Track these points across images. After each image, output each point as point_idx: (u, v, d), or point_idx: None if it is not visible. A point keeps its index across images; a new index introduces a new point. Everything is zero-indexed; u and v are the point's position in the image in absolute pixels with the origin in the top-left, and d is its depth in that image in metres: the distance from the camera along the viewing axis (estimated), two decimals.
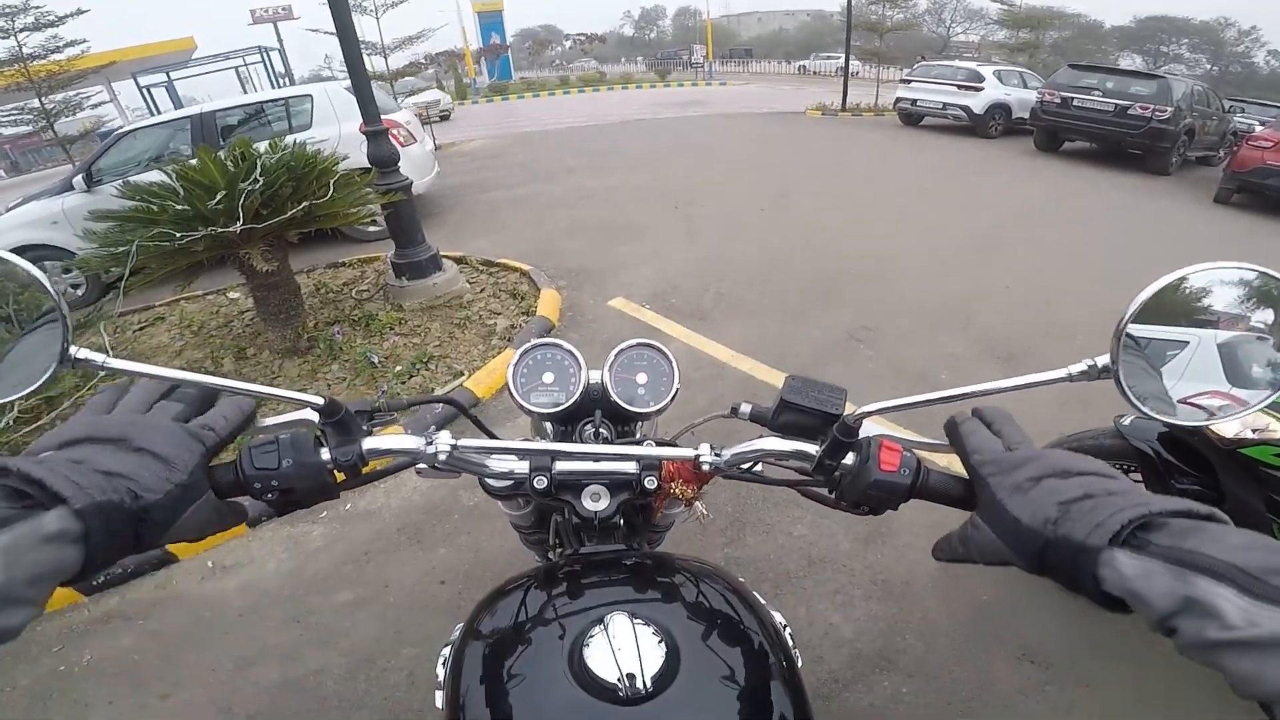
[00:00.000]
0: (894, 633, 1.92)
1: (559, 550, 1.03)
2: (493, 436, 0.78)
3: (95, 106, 12.94)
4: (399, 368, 3.39)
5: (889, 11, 15.79)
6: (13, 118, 11.34)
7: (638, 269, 4.91)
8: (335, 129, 5.75)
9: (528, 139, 11.98)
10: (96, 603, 2.19)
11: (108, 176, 5.34)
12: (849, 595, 2.05)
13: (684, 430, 0.89)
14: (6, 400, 0.52)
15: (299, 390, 0.59)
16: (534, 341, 0.88)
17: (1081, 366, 0.55)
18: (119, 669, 1.95)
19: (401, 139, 5.88)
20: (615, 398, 0.84)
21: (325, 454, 0.58)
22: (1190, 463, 1.74)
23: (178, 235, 2.92)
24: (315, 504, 0.59)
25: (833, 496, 0.65)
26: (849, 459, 0.62)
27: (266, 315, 3.54)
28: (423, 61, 17.55)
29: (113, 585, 2.24)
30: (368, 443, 0.60)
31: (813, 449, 0.64)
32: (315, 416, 0.60)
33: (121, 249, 3.00)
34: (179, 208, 2.99)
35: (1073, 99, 9.19)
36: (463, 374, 3.35)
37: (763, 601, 0.72)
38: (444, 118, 17.64)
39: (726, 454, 0.67)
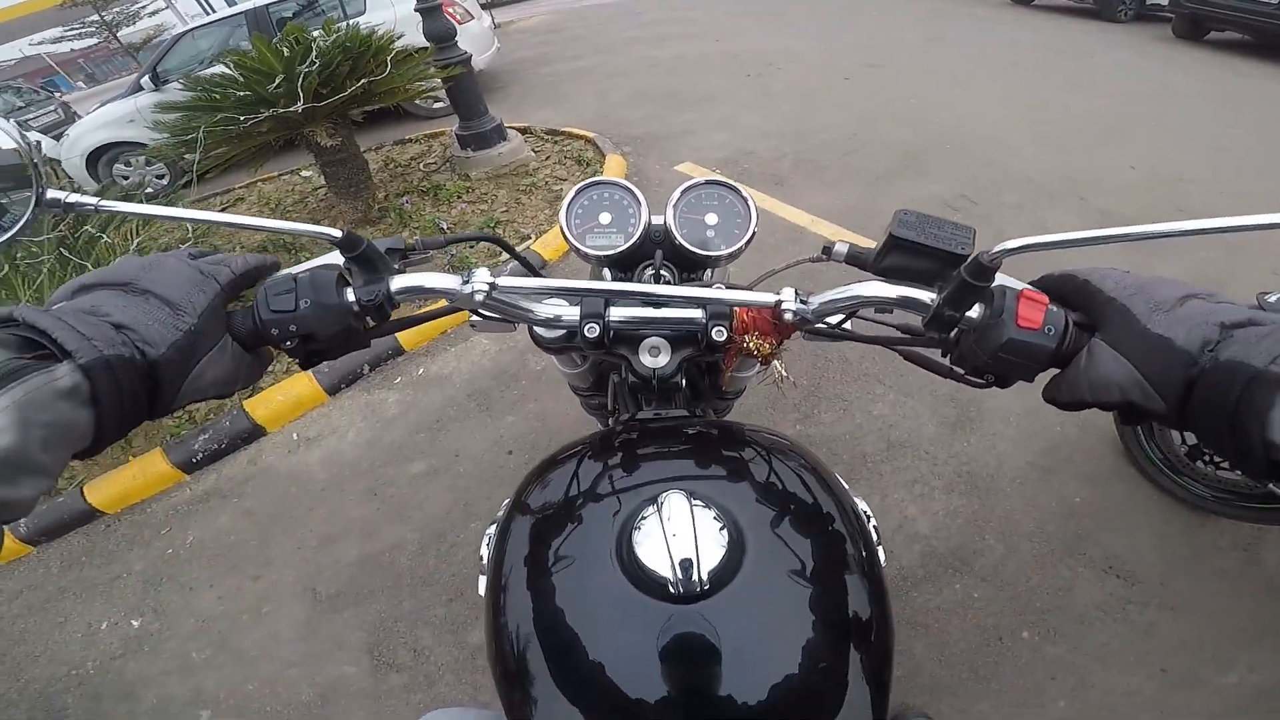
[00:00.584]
0: (973, 531, 1.78)
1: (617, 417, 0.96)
2: (536, 275, 0.70)
3: (153, 14, 13.13)
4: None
5: None
6: (77, 31, 11.77)
7: (707, 135, 4.63)
8: (390, 12, 5.71)
9: (586, 13, 11.17)
10: (197, 480, 2.32)
11: (173, 75, 5.54)
12: (929, 486, 1.90)
13: (763, 277, 0.76)
14: None
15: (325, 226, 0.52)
16: (590, 179, 0.78)
17: None
18: (218, 550, 2.07)
19: (458, 16, 5.76)
20: (680, 239, 0.73)
21: (350, 295, 0.52)
22: None
23: (241, 118, 3.02)
24: (342, 353, 0.54)
25: (947, 360, 0.54)
26: (974, 311, 0.49)
27: (338, 189, 3.64)
28: None
29: (209, 461, 2.36)
30: (396, 281, 0.54)
31: (927, 296, 0.52)
32: (340, 258, 0.54)
33: (189, 136, 3.13)
34: (240, 94, 3.07)
35: None
36: (530, 237, 3.36)
37: (845, 485, 0.62)
38: None
39: (815, 301, 0.55)
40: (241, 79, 3.10)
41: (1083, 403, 0.45)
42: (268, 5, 5.96)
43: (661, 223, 0.75)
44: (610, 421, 1.05)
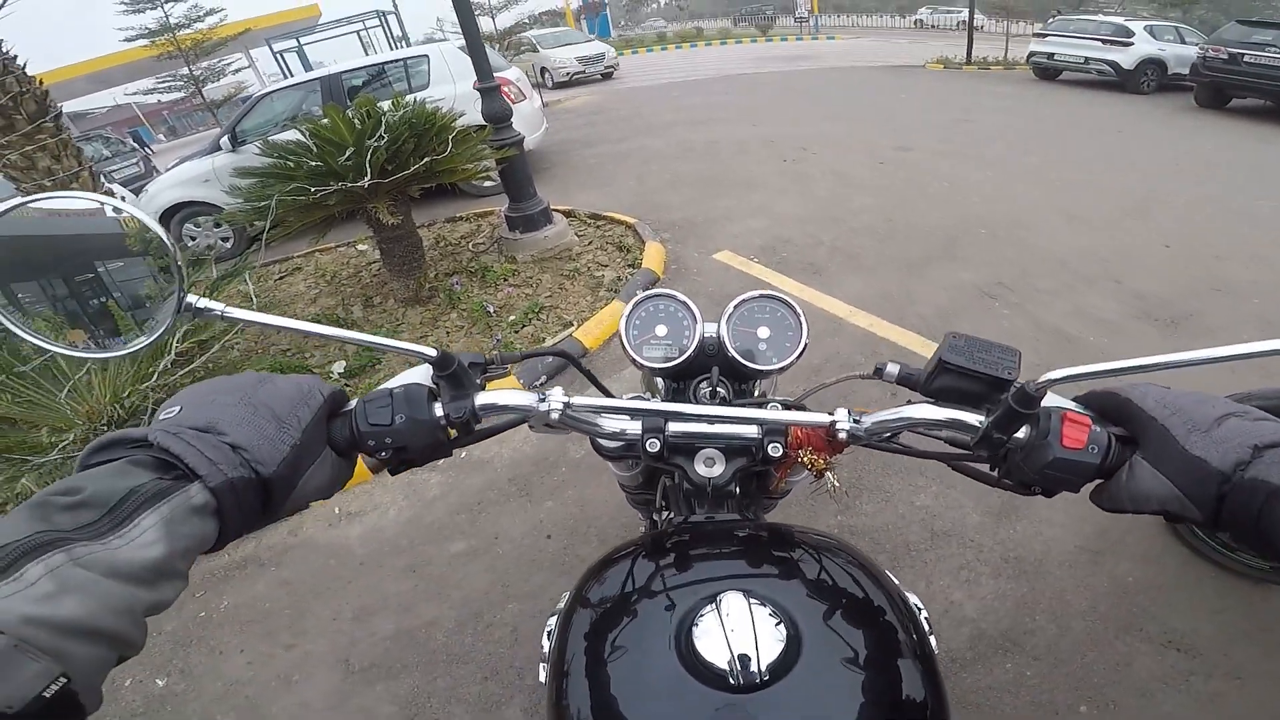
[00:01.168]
0: (1023, 613, 1.78)
1: (665, 513, 0.98)
2: (605, 391, 0.75)
3: (236, 72, 14.21)
4: (512, 317, 3.50)
5: None
6: (167, 84, 12.69)
7: (744, 221, 4.77)
8: (451, 88, 5.92)
9: (629, 95, 11.89)
10: (236, 548, 2.32)
11: (250, 136, 5.74)
12: (975, 571, 1.91)
13: (814, 390, 0.79)
14: (131, 351, 0.55)
15: (415, 341, 0.59)
16: (648, 292, 0.82)
17: None
18: (251, 617, 2.08)
19: (512, 96, 6.00)
20: (733, 353, 0.76)
21: (438, 409, 0.57)
22: None
23: (312, 190, 3.12)
24: (428, 461, 0.58)
25: (995, 474, 0.58)
26: (1021, 433, 0.53)
27: (392, 266, 3.75)
28: (527, 21, 17.72)
29: (251, 530, 2.42)
30: (480, 398, 0.58)
31: (974, 419, 0.55)
32: (426, 376, 0.59)
33: (262, 203, 3.23)
34: (312, 164, 3.19)
35: (1243, 55, 8.39)
36: (572, 324, 3.41)
37: (895, 580, 0.64)
38: (606, 75, 16.45)
39: (867, 421, 0.59)
40: (315, 148, 3.23)
41: (1124, 510, 0.50)
42: (341, 74, 6.23)
43: (715, 334, 0.78)
44: (655, 515, 1.08)
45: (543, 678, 0.65)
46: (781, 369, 0.77)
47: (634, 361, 0.78)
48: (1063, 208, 4.75)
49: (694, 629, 0.52)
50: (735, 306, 0.79)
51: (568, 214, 4.95)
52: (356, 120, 3.31)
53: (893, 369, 0.63)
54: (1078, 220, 4.51)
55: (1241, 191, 5.10)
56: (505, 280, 3.94)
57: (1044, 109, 9.15)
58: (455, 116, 3.66)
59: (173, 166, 6.34)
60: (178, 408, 0.48)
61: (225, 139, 5.88)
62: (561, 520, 2.26)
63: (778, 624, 0.51)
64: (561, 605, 0.67)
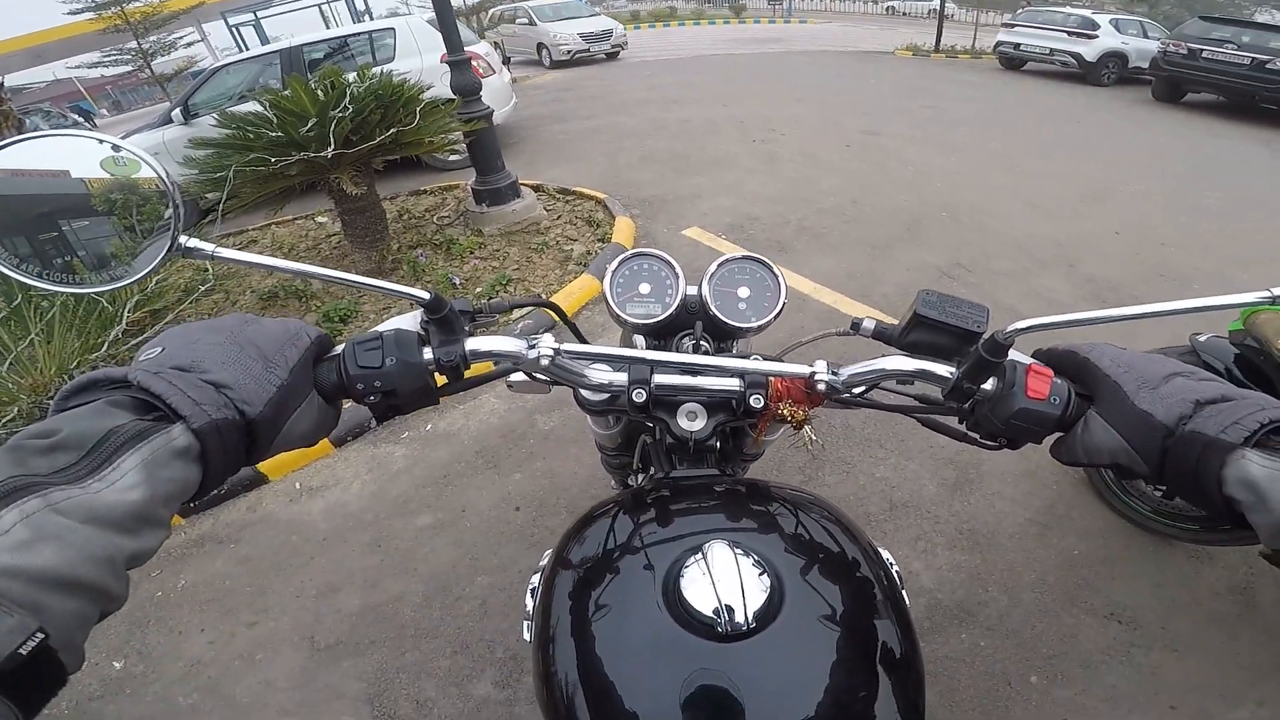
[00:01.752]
0: (976, 584, 1.85)
1: (640, 475, 0.97)
2: (585, 343, 0.74)
3: (188, 46, 13.57)
4: (479, 289, 3.47)
5: None
6: (113, 58, 12.09)
7: (714, 199, 4.79)
8: (418, 61, 5.79)
9: (600, 73, 11.71)
10: (193, 524, 2.26)
11: (203, 110, 5.58)
12: (931, 542, 1.97)
13: (792, 347, 0.82)
14: (123, 284, 0.53)
15: (406, 285, 0.57)
16: (632, 251, 0.83)
17: None
18: (211, 595, 2.02)
19: (481, 70, 5.86)
20: (715, 311, 0.78)
21: (428, 354, 0.56)
22: (1262, 386, 1.64)
23: (272, 160, 3.03)
24: (415, 409, 0.57)
25: (963, 426, 0.60)
26: (989, 384, 0.56)
27: (353, 238, 3.68)
28: None
29: (207, 507, 2.31)
30: (470, 343, 0.58)
31: (945, 370, 0.58)
32: (413, 324, 0.58)
33: (219, 174, 3.14)
34: (273, 135, 3.10)
35: (1201, 50, 8.64)
36: (539, 296, 3.36)
37: (868, 535, 0.66)
38: (612, 55, 14.42)
39: (845, 372, 0.61)
40: (275, 119, 3.14)
41: (1079, 463, 0.53)
42: (302, 46, 6.08)
43: (696, 294, 0.80)
44: (631, 479, 1.08)
45: (527, 636, 0.65)
46: (760, 327, 0.78)
47: (617, 318, 0.79)
48: (1022, 194, 4.89)
49: (681, 579, 0.53)
50: (717, 267, 0.81)
51: (536, 189, 4.89)
52: (320, 91, 3.22)
53: (868, 324, 0.65)
54: (1036, 206, 4.64)
55: (1191, 183, 5.31)
56: (471, 253, 3.89)
57: (1007, 98, 9.34)
58: (424, 88, 3.59)
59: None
60: (160, 348, 0.47)
61: (177, 112, 5.70)
62: (530, 492, 2.25)
63: (761, 574, 0.53)
64: (544, 562, 0.68)
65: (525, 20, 14.67)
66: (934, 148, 6.18)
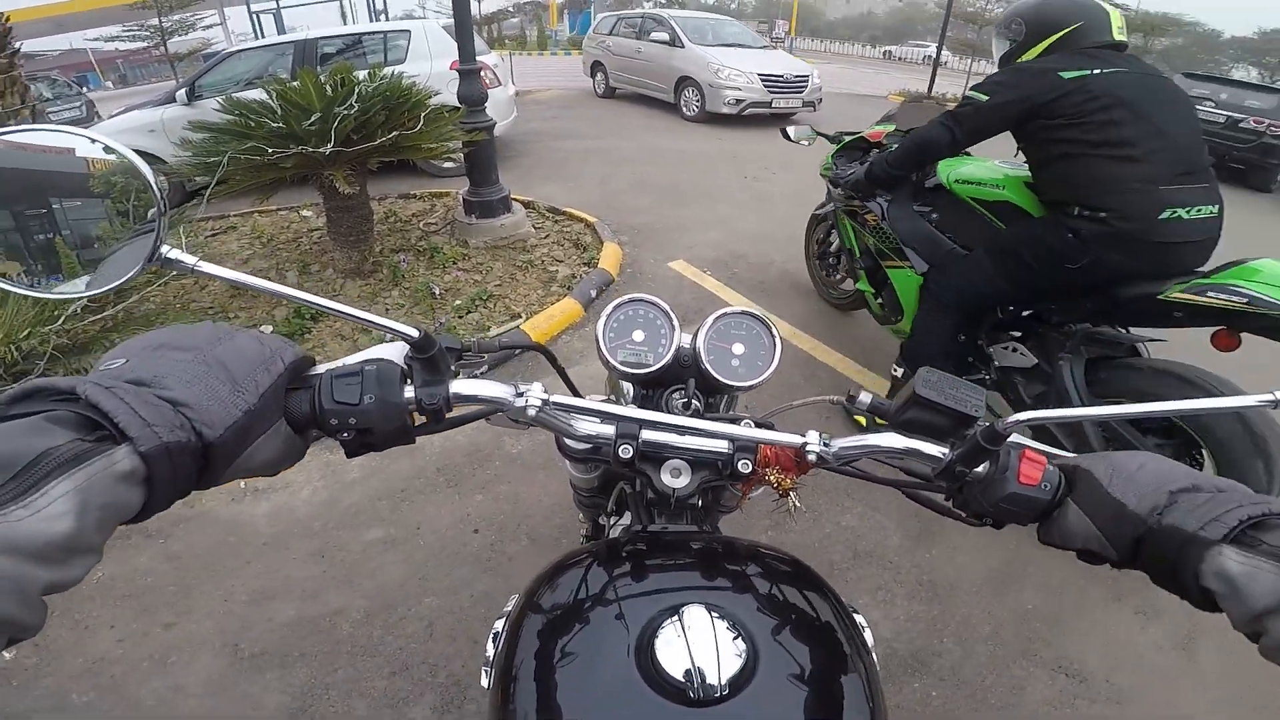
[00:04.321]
0: (932, 635, 1.87)
1: (613, 518, 0.96)
2: (576, 392, 0.73)
3: (206, 28, 13.53)
4: (458, 302, 3.43)
5: (992, 4, 14.84)
6: (131, 33, 12.06)
7: (702, 233, 4.81)
8: (427, 65, 5.82)
9: (606, 98, 11.77)
10: None
11: (208, 92, 5.57)
12: (892, 593, 1.99)
13: (782, 409, 0.79)
14: (95, 294, 0.52)
15: (386, 315, 0.56)
16: (629, 296, 0.81)
17: None
18: (129, 591, 1.91)
19: (488, 81, 5.94)
20: (707, 366, 0.77)
21: (409, 392, 0.53)
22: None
23: (269, 151, 3.01)
24: (389, 447, 0.54)
25: (949, 504, 0.61)
26: (981, 467, 0.56)
27: (337, 236, 3.63)
28: (510, 9, 17.22)
29: (182, 497, 2.27)
30: (456, 386, 0.56)
31: (937, 451, 0.58)
32: (396, 355, 0.55)
33: (213, 159, 3.11)
34: (274, 125, 3.08)
35: None
36: (520, 316, 3.35)
37: (843, 599, 0.66)
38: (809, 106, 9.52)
39: (836, 445, 0.61)
40: (279, 110, 3.12)
41: (1056, 545, 0.54)
42: (317, 39, 6.09)
43: (690, 346, 0.79)
44: (603, 519, 1.06)
45: (485, 683, 0.63)
46: (751, 387, 0.77)
47: (608, 365, 0.78)
48: None
49: (656, 640, 0.52)
50: (713, 320, 0.80)
51: (527, 205, 4.89)
52: (329, 86, 3.22)
53: (865, 398, 0.64)
54: None
55: None
56: (455, 263, 3.86)
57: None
58: (430, 94, 3.60)
59: (118, 114, 6.07)
60: (122, 359, 0.44)
61: (182, 92, 5.68)
62: (490, 515, 2.18)
63: (736, 638, 0.52)
64: (509, 609, 0.66)
65: (661, 37, 9.57)
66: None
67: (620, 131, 8.31)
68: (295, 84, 3.19)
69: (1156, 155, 1.80)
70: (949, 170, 2.37)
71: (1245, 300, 1.66)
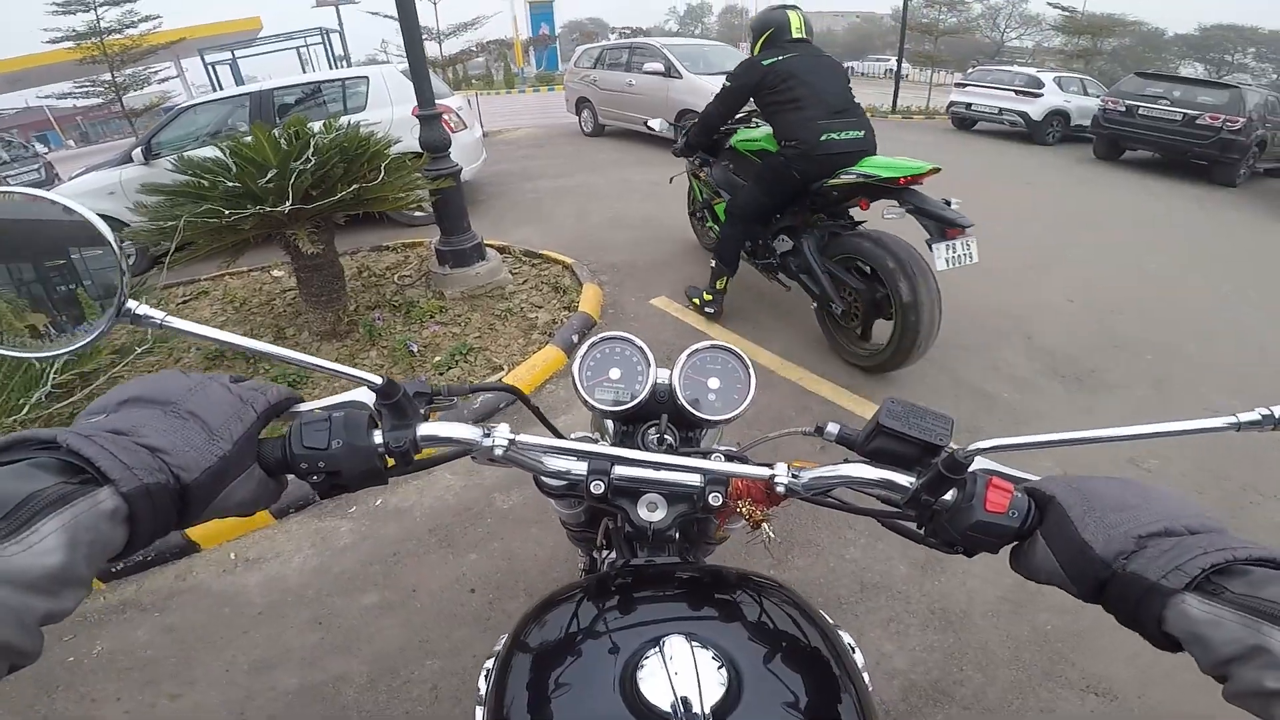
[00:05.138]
0: (951, 663, 1.83)
1: (605, 552, 0.99)
2: (553, 430, 0.74)
3: (162, 81, 13.44)
4: (438, 358, 3.33)
5: (944, 15, 15.24)
6: (85, 89, 11.91)
7: (682, 268, 4.76)
8: (389, 112, 5.75)
9: (573, 129, 11.86)
10: (114, 590, 2.12)
11: (166, 150, 5.44)
12: (904, 624, 1.95)
13: (756, 443, 0.83)
14: (62, 353, 0.53)
15: (355, 367, 0.56)
16: (603, 335, 0.83)
17: (1254, 415, 0.49)
18: (130, 664, 1.90)
19: (452, 125, 5.90)
20: (683, 402, 0.78)
21: (377, 437, 0.56)
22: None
23: (226, 213, 2.90)
24: (361, 489, 0.57)
25: (921, 532, 0.61)
26: (949, 495, 0.56)
27: (309, 296, 3.52)
28: (474, 49, 17.33)
29: (131, 572, 2.17)
30: (423, 429, 0.57)
31: (905, 480, 0.59)
32: (369, 398, 0.57)
33: (169, 223, 2.99)
34: (229, 184, 2.97)
35: (1138, 107, 8.94)
36: (502, 368, 3.26)
37: (830, 620, 0.66)
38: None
39: (805, 477, 0.62)
40: (234, 167, 3.02)
41: (1025, 576, 0.54)
42: (273, 90, 5.94)
43: (666, 381, 0.80)
44: (595, 553, 1.09)
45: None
46: (727, 420, 0.79)
47: (586, 403, 0.80)
48: (978, 264, 4.99)
49: (638, 672, 0.52)
50: (688, 356, 0.81)
51: (503, 250, 4.82)
52: (283, 140, 3.12)
53: (833, 429, 0.66)
54: (989, 274, 4.71)
55: (1135, 245, 5.55)
56: (432, 317, 3.76)
57: (962, 158, 9.61)
58: (391, 142, 3.51)
59: (77, 175, 5.95)
60: (100, 414, 0.47)
61: (139, 151, 5.55)
62: (486, 574, 2.14)
63: (720, 667, 0.52)
64: (499, 647, 0.67)
65: (656, 68, 8.93)
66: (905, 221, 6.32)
67: (593, 167, 8.31)
68: (249, 139, 3.10)
69: (817, 105, 2.94)
70: (736, 138, 3.60)
71: (857, 177, 2.88)
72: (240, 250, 3.36)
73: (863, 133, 2.99)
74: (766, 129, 3.26)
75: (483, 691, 0.67)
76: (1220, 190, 8.23)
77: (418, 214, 5.58)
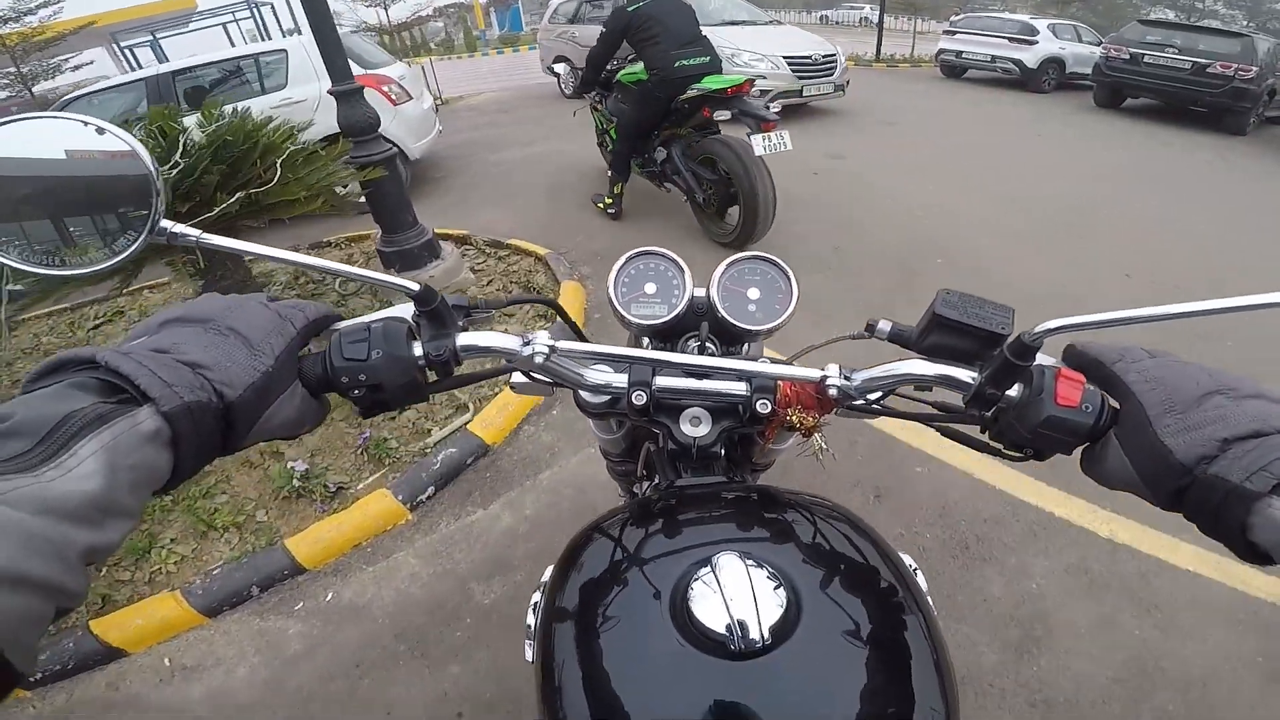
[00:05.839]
0: None
1: (645, 484, 0.92)
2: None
3: (75, 70, 12.34)
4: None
5: None
6: None
7: (682, 250, 4.12)
8: (315, 87, 4.94)
9: (541, 92, 10.94)
10: (42, 698, 1.82)
11: None
12: None
13: (802, 352, 0.78)
14: (98, 269, 0.50)
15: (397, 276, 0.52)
16: (637, 250, 0.80)
17: None
18: None
19: (394, 96, 5.15)
20: (723, 313, 0.75)
21: (417, 349, 0.54)
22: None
23: None
24: (402, 405, 0.55)
25: (985, 435, 0.55)
26: (1014, 390, 0.51)
27: None
28: (430, 14, 16.03)
29: (56, 680, 1.86)
30: (462, 338, 0.56)
31: (967, 375, 0.53)
32: (408, 311, 0.55)
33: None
34: None
35: (1143, 55, 8.80)
36: (468, 408, 2.59)
37: (889, 543, 0.60)
38: (841, 88, 7.84)
39: (858, 377, 0.58)
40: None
41: (1099, 481, 0.49)
42: (172, 73, 5.13)
43: (704, 295, 0.77)
44: (636, 487, 1.03)
45: (529, 656, 0.63)
46: (770, 330, 0.75)
47: (622, 319, 0.77)
48: (1007, 224, 4.55)
49: (690, 594, 0.49)
50: (726, 267, 0.79)
51: (463, 240, 4.12)
52: (147, 140, 2.44)
53: (884, 326, 0.61)
54: (1025, 240, 4.32)
55: (1169, 203, 5.13)
56: None
57: (958, 107, 9.21)
58: (290, 131, 2.78)
59: None
60: (144, 337, 0.45)
61: None
62: (474, 692, 1.73)
63: (776, 587, 0.49)
64: (545, 579, 0.65)
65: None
66: (902, 171, 5.76)
67: (565, 133, 7.36)
68: None
69: (672, 39, 3.66)
70: (622, 74, 4.15)
71: (697, 92, 3.68)
72: (135, 269, 2.73)
73: (708, 58, 3.74)
74: (641, 64, 3.87)
75: (532, 625, 0.66)
76: (1232, 139, 8.07)
77: (361, 199, 4.92)
